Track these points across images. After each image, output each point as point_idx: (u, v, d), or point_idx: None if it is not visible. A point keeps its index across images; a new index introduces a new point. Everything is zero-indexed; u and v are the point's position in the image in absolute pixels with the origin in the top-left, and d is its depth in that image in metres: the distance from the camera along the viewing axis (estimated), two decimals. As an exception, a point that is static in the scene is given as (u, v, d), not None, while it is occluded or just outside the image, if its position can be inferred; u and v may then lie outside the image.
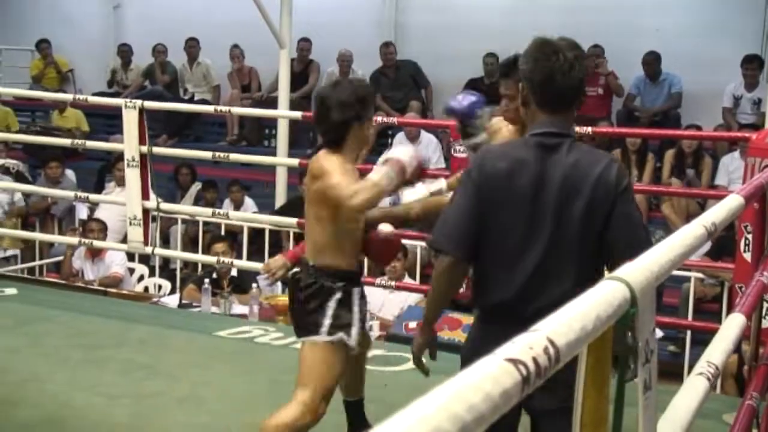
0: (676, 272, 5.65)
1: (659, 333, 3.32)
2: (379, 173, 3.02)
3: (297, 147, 9.40)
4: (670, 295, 6.54)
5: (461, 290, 4.70)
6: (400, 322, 5.60)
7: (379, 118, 7.10)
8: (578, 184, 2.37)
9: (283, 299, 6.21)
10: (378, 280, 5.71)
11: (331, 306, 3.10)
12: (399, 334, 5.40)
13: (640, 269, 1.25)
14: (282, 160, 7.87)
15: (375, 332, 5.73)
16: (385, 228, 3.41)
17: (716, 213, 1.86)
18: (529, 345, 0.89)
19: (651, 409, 1.23)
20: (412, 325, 5.47)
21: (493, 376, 0.80)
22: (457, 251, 2.46)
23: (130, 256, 7.03)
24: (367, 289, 6.37)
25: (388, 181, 3.03)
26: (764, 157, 3.69)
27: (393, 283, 5.69)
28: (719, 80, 8.80)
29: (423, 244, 6.73)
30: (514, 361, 0.84)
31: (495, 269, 2.46)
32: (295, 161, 6.52)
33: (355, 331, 3.13)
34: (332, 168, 3.05)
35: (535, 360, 0.87)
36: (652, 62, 9.05)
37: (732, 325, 2.06)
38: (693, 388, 1.63)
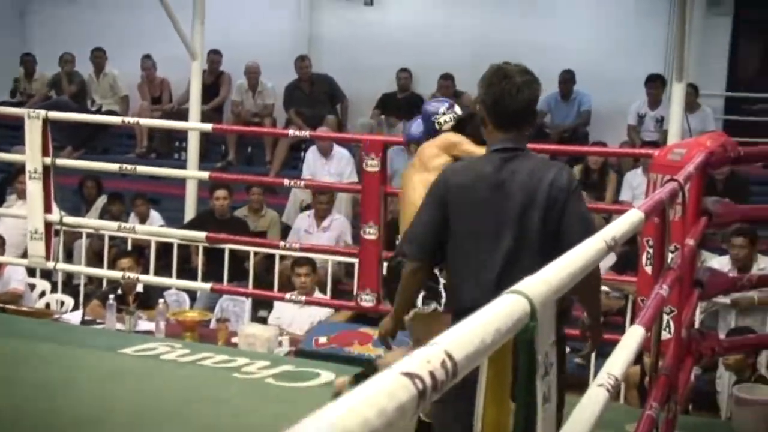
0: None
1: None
2: None
3: (207, 160, 9.30)
4: (577, 309, 6.64)
5: (371, 305, 4.71)
6: (310, 337, 5.56)
7: (291, 132, 7.09)
8: (534, 190, 2.69)
9: (192, 315, 6.13)
10: (288, 295, 5.68)
11: None
12: (308, 349, 5.36)
13: (539, 283, 1.26)
14: (191, 173, 7.77)
15: (285, 348, 5.70)
16: None
17: (617, 227, 1.89)
18: (426, 359, 0.88)
19: (549, 421, 1.24)
20: (322, 340, 5.45)
21: (388, 390, 0.80)
22: (421, 256, 2.86)
23: (31, 272, 6.84)
24: (276, 305, 6.41)
25: None
26: (665, 173, 3.77)
27: (303, 298, 5.67)
28: (624, 99, 9.04)
29: (333, 258, 6.73)
30: (411, 375, 0.84)
31: (466, 275, 2.79)
32: (205, 174, 6.45)
33: None
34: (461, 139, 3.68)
35: (432, 374, 0.87)
36: (567, 81, 9.25)
37: (632, 337, 2.10)
38: (593, 399, 1.65)
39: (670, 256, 3.29)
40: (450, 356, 0.91)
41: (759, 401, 4.06)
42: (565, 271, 1.42)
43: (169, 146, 10.20)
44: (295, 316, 6.33)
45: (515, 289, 1.21)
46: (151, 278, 5.95)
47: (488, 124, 2.83)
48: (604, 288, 6.19)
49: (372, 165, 4.82)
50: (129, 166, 6.04)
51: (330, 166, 8.68)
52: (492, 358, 1.19)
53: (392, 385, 0.81)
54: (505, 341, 1.14)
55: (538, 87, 2.89)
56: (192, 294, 6.93)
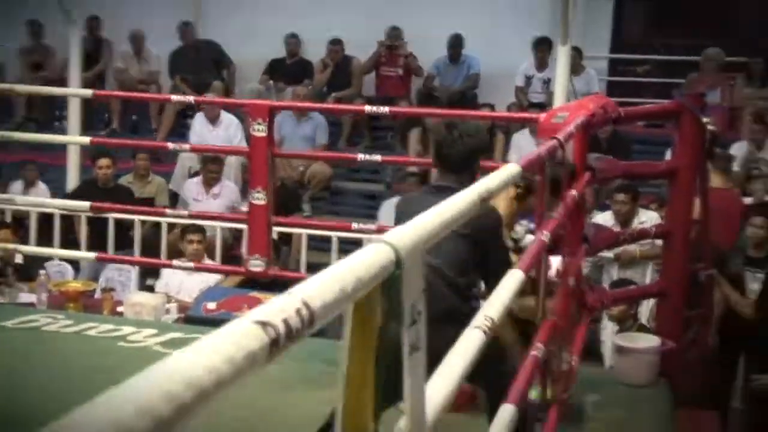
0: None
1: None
2: None
3: (91, 129, 9.07)
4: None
5: (261, 269, 4.67)
6: (199, 303, 5.50)
7: (174, 97, 6.96)
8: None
9: (75, 285, 5.98)
10: (175, 262, 5.59)
11: None
12: (197, 316, 5.30)
13: (407, 233, 1.25)
14: (71, 138, 7.50)
15: (173, 315, 5.62)
16: None
17: (491, 180, 1.90)
18: (281, 308, 0.87)
19: (419, 369, 1.24)
20: (211, 306, 5.39)
21: (238, 338, 0.77)
22: None
23: None
24: (164, 273, 6.30)
25: None
26: (552, 137, 3.83)
27: (191, 264, 5.59)
28: (513, 61, 9.16)
29: (223, 224, 6.66)
30: (263, 324, 0.82)
31: None
32: (86, 139, 6.27)
33: None
34: None
35: (286, 322, 0.85)
36: (455, 44, 9.32)
37: (510, 281, 2.13)
38: (468, 342, 1.67)
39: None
40: (306, 305, 0.90)
41: (639, 349, 4.20)
42: (435, 222, 1.41)
43: (49, 115, 9.89)
44: (183, 283, 6.25)
45: (381, 238, 1.20)
46: (31, 248, 5.76)
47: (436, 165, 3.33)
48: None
49: (259, 130, 4.75)
50: (5, 133, 5.81)
51: (218, 133, 8.56)
52: (358, 306, 1.18)
53: (243, 333, 0.79)
54: (371, 290, 1.13)
55: (480, 141, 3.28)
56: (76, 265, 6.77)
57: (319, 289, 0.96)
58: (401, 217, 3.02)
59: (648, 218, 6.23)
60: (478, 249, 3.09)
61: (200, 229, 6.28)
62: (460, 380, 1.47)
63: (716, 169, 6.22)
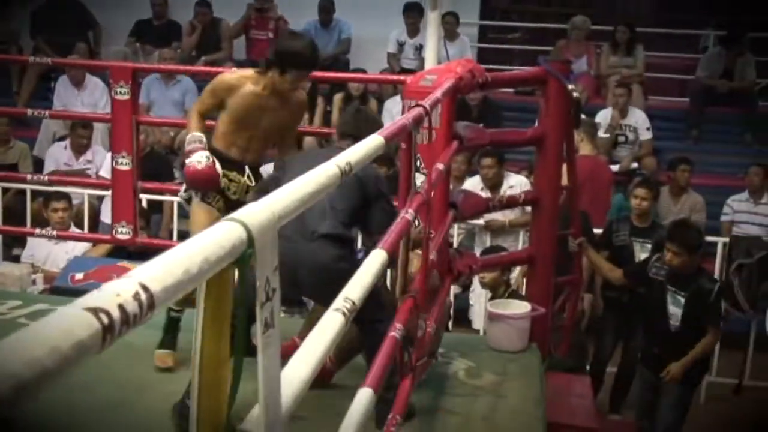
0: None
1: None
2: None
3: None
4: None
5: (128, 237, 4.57)
6: (66, 274, 5.34)
7: (32, 58, 6.70)
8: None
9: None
10: (38, 230, 5.40)
11: None
12: (64, 286, 5.14)
13: (260, 210, 1.23)
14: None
15: (39, 286, 5.44)
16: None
17: (353, 152, 1.89)
18: (116, 292, 0.83)
19: (273, 347, 1.23)
20: (79, 276, 5.24)
21: (64, 327, 0.74)
22: None
23: None
24: (30, 242, 6.08)
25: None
26: (417, 99, 3.83)
27: (55, 233, 5.41)
28: (385, 27, 9.15)
29: (90, 191, 6.46)
30: (95, 310, 0.78)
31: None
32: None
33: None
34: None
35: (121, 307, 0.82)
36: (326, 8, 9.23)
37: (373, 261, 2.12)
38: (328, 324, 1.66)
39: (421, 179, 3.37)
40: (145, 288, 0.87)
41: (510, 316, 4.27)
42: (291, 198, 1.39)
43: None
44: (51, 252, 6.06)
45: (232, 216, 1.17)
46: None
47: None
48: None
49: (121, 93, 4.61)
50: None
51: (83, 97, 8.28)
52: (210, 285, 1.16)
53: (70, 321, 0.76)
54: (223, 268, 1.11)
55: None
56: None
57: (162, 271, 0.93)
58: (286, 168, 3.33)
59: (517, 182, 6.34)
60: (362, 196, 3.34)
61: (65, 196, 6.08)
62: (318, 364, 1.46)
63: (583, 136, 6.37)
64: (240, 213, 1.19)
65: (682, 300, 4.70)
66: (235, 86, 3.74)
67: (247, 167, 3.86)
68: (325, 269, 3.17)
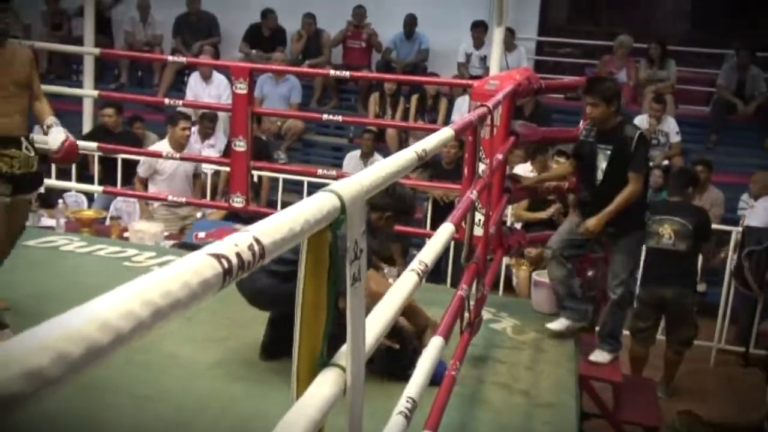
0: (419, 193, 5.82)
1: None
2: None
3: (103, 82, 8.87)
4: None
5: (241, 206, 4.60)
6: (191, 232, 5.47)
7: (171, 58, 6.82)
8: None
9: (88, 213, 5.89)
10: (170, 197, 5.50)
11: None
12: (189, 242, 5.24)
13: (351, 183, 1.24)
14: (83, 91, 7.26)
15: (170, 241, 5.56)
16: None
17: (428, 141, 1.88)
18: (235, 242, 0.85)
19: (359, 298, 1.23)
20: (201, 234, 5.34)
21: (194, 267, 0.76)
22: None
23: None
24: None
25: None
26: (482, 100, 3.79)
27: (183, 200, 5.51)
28: (456, 40, 9.09)
29: (213, 167, 6.56)
30: (217, 256, 0.80)
31: None
32: (95, 92, 6.12)
33: None
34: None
35: (238, 255, 0.83)
36: (410, 23, 9.20)
37: (443, 232, 2.12)
38: (405, 282, 1.66)
39: (482, 167, 3.35)
40: (258, 241, 0.88)
41: (548, 284, 4.24)
42: (377, 175, 1.40)
43: (66, 69, 9.64)
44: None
45: (330, 187, 1.18)
46: (52, 182, 5.65)
47: None
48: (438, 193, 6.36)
49: (240, 88, 4.67)
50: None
51: (210, 90, 8.43)
52: (311, 243, 1.17)
53: (198, 262, 0.77)
54: (320, 230, 1.12)
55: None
56: (90, 196, 6.66)
57: (272, 228, 0.94)
58: None
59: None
60: None
61: (187, 117, 6.36)
62: (395, 314, 1.46)
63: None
64: (335, 185, 1.20)
65: (609, 152, 3.94)
66: None
67: (23, 139, 3.51)
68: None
